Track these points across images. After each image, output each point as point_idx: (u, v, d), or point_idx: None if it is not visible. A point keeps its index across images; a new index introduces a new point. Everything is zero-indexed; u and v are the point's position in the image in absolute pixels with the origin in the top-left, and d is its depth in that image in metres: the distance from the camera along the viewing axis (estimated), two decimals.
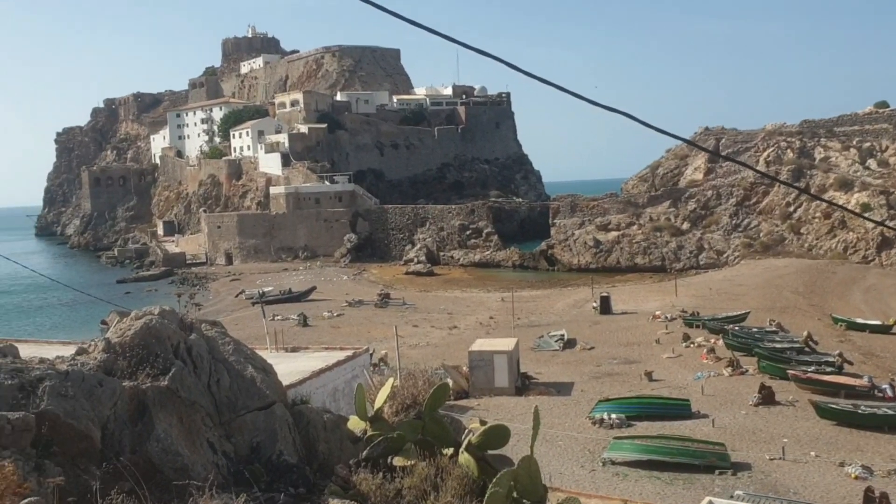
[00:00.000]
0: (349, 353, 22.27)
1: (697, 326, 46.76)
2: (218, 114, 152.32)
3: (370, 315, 61.42)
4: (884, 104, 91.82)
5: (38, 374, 8.35)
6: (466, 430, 8.43)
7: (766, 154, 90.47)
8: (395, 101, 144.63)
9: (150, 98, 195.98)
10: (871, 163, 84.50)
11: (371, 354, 37.67)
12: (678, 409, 29.25)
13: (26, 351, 11.40)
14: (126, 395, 8.94)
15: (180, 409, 9.32)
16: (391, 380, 8.74)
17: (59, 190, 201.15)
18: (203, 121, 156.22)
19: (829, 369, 34.36)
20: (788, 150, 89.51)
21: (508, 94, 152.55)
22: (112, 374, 9.16)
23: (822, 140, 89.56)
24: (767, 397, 30.07)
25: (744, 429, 27.00)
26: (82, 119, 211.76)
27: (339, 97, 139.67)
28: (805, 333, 40.93)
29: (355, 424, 8.73)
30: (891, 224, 73.83)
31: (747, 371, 35.37)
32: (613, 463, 23.82)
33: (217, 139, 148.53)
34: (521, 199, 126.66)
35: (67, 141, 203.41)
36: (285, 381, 13.28)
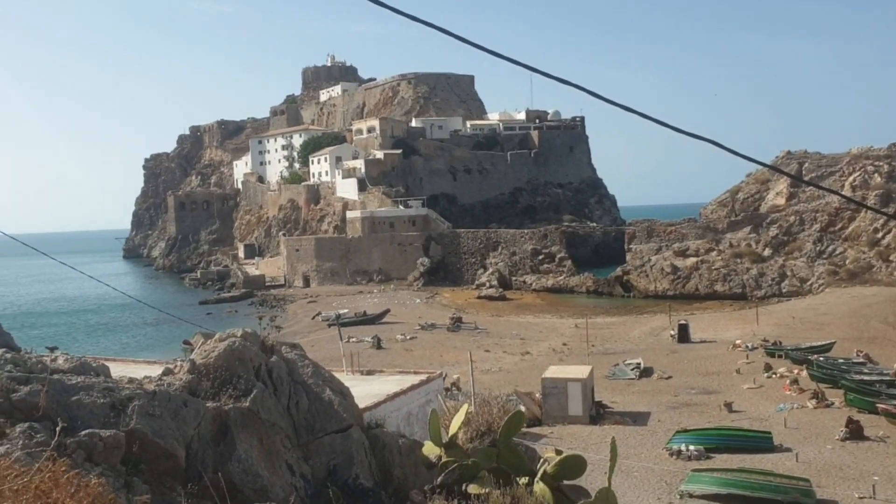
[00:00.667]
0: (423, 377, 22.40)
1: (780, 356, 45.21)
2: (298, 140, 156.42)
3: (442, 339, 61.56)
4: None
5: (128, 393, 8.70)
6: (542, 460, 8.37)
7: (851, 178, 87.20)
8: (468, 126, 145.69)
9: (233, 125, 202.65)
10: None
11: (444, 379, 37.76)
12: (759, 442, 28.25)
13: (115, 370, 11.88)
14: (209, 415, 9.21)
15: (260, 431, 9.55)
16: (466, 406, 8.76)
17: (146, 214, 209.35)
18: (283, 147, 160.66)
19: None
20: (876, 175, 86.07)
21: (583, 118, 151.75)
22: (196, 395, 9.46)
23: None
24: (855, 432, 28.76)
25: (830, 464, 25.88)
26: (169, 146, 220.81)
27: (413, 123, 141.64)
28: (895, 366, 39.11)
29: (430, 450, 8.78)
30: None
31: (833, 404, 33.95)
32: (691, 496, 23.15)
33: (297, 165, 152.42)
34: (595, 224, 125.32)
35: (155, 167, 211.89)
36: (361, 405, 13.45)
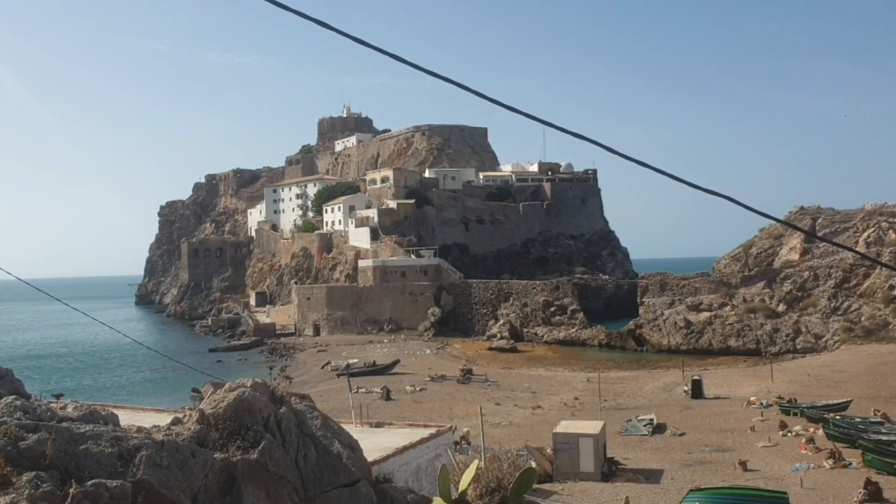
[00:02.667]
0: (433, 430, 22.12)
1: (795, 414, 44.48)
2: (312, 189, 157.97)
3: (452, 391, 61.01)
4: None
5: (136, 442, 8.62)
6: None
7: (866, 234, 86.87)
8: (481, 177, 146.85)
9: (248, 174, 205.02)
10: None
11: (453, 432, 37.32)
12: (775, 502, 27.63)
13: (125, 418, 11.81)
14: (217, 466, 9.10)
15: (268, 483, 9.42)
16: (476, 461, 8.64)
17: (159, 260, 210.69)
18: (298, 196, 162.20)
19: None
20: (890, 231, 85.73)
21: (595, 171, 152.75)
22: (204, 445, 9.37)
23: None
24: (874, 494, 28.08)
25: None
26: (184, 193, 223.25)
27: (427, 174, 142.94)
28: None
29: None
30: None
31: (851, 464, 33.23)
32: None
33: (310, 214, 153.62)
34: (607, 277, 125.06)
35: (170, 214, 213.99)
36: (369, 457, 13.28)
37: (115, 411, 11.12)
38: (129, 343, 72.41)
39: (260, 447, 9.50)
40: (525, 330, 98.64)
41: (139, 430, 9.36)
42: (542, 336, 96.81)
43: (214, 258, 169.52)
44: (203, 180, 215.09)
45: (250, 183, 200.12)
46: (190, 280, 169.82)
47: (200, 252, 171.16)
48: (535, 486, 30.53)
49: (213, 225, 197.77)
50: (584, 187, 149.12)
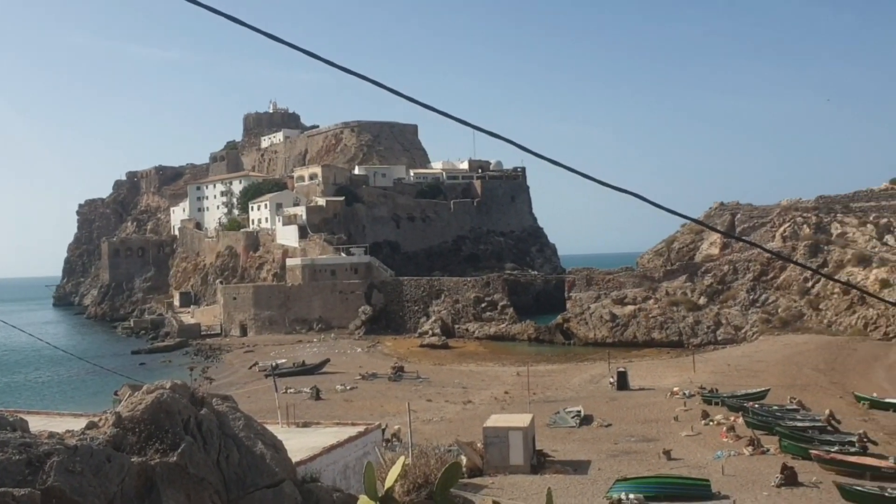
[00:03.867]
0: (361, 428, 21.96)
1: (716, 403, 45.90)
2: (237, 187, 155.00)
3: (384, 389, 60.80)
4: None
5: (47, 448, 8.28)
6: None
7: (782, 229, 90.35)
8: (411, 174, 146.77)
9: (171, 171, 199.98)
10: (889, 238, 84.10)
11: (384, 430, 37.16)
12: (698, 490, 28.44)
13: (37, 423, 11.32)
14: (134, 471, 8.82)
15: (188, 486, 9.18)
16: (402, 458, 8.57)
17: (78, 261, 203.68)
18: (223, 193, 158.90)
19: (852, 449, 33.46)
20: (805, 226, 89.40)
21: (524, 169, 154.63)
22: (121, 450, 9.06)
23: (838, 216, 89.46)
24: (790, 478, 29.22)
25: None
26: (104, 191, 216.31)
27: (356, 171, 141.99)
28: (827, 412, 40.04)
29: None
30: None
31: (769, 450, 34.49)
32: None
33: (236, 211, 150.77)
34: (536, 272, 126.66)
35: (89, 213, 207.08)
36: (296, 458, 13.07)
37: (27, 417, 10.66)
38: (47, 347, 69.71)
39: (179, 450, 9.25)
40: (456, 326, 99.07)
41: (51, 435, 8.99)
42: (474, 332, 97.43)
43: (136, 258, 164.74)
44: (124, 178, 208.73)
45: (173, 180, 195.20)
46: (111, 280, 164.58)
47: (122, 252, 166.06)
48: (466, 480, 30.66)
49: (135, 224, 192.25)
50: (513, 185, 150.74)
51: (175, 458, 9.11)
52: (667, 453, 34.58)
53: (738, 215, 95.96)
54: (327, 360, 74.78)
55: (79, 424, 10.00)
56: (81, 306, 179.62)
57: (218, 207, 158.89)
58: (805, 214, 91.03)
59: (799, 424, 38.48)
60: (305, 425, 23.88)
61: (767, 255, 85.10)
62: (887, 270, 77.93)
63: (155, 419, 9.53)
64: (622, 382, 54.97)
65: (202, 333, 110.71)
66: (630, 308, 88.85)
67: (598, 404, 49.06)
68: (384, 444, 32.37)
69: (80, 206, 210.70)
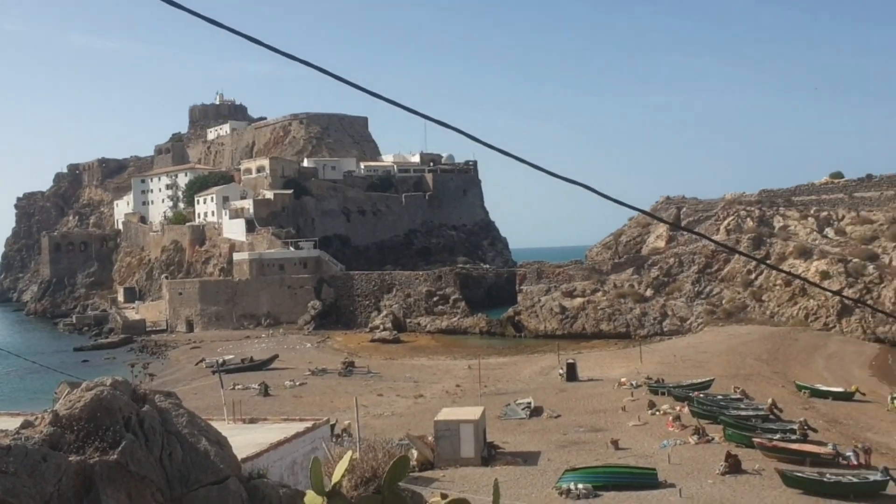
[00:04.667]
0: (309, 424, 21.74)
1: (663, 393, 46.70)
2: (183, 180, 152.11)
3: (334, 384, 60.38)
4: (839, 175, 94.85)
5: None
6: None
7: (726, 223, 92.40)
8: (362, 167, 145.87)
9: (114, 163, 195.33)
10: (829, 231, 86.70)
11: (334, 425, 36.88)
12: (645, 479, 28.92)
13: None
14: (72, 470, 8.57)
15: (129, 485, 8.95)
16: (350, 452, 8.46)
17: (16, 255, 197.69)
18: (168, 186, 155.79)
19: (793, 437, 34.38)
20: (748, 219, 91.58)
21: (475, 162, 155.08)
22: (58, 449, 8.78)
23: (780, 209, 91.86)
24: (734, 466, 29.90)
25: (711, 498, 26.73)
26: (44, 184, 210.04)
27: (305, 163, 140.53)
28: (770, 401, 41.07)
29: (312, 500, 8.40)
30: (849, 292, 75.36)
31: (713, 439, 35.23)
32: None
33: (181, 205, 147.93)
34: (488, 266, 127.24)
35: (28, 206, 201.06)
36: (242, 454, 12.84)
37: None
38: None
39: (120, 448, 9.00)
40: (408, 320, 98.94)
41: None
42: (425, 326, 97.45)
43: (78, 252, 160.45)
44: (65, 170, 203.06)
45: (117, 173, 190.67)
46: (52, 276, 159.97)
47: (63, 246, 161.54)
48: (417, 473, 30.63)
49: (77, 217, 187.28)
50: (465, 178, 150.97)
51: (115, 457, 8.86)
52: (614, 443, 35.07)
53: (684, 209, 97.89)
54: (276, 356, 73.92)
55: (14, 424, 9.65)
56: (20, 302, 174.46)
57: (163, 201, 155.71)
58: (748, 208, 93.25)
59: (742, 413, 39.39)
60: (252, 421, 23.55)
61: (712, 247, 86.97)
62: (827, 262, 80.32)
63: (94, 417, 9.26)
64: (571, 374, 55.59)
65: (147, 330, 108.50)
66: (579, 300, 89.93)
67: (548, 396, 49.52)
68: (334, 440, 32.14)
69: (19, 199, 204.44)
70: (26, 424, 9.50)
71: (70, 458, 8.71)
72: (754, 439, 33.21)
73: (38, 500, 8.02)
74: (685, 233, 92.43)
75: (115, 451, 9.00)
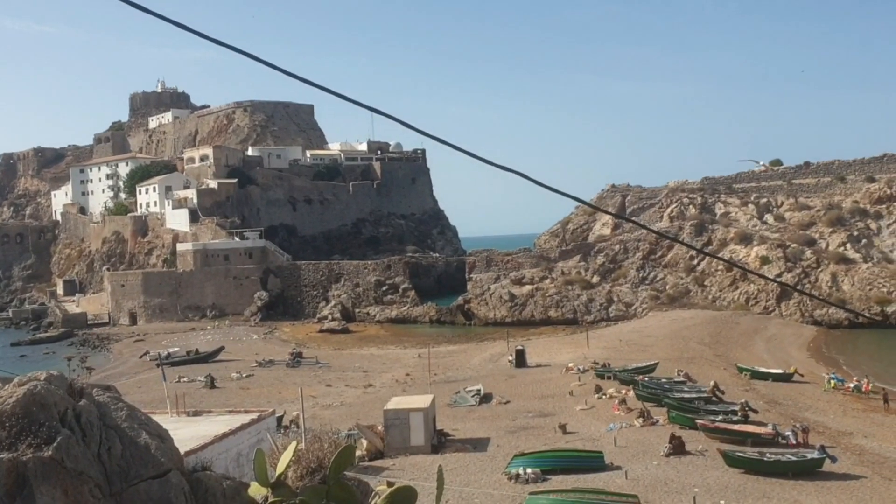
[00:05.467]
0: (254, 415, 21.45)
1: (609, 378, 47.39)
2: (124, 169, 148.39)
3: (281, 375, 59.79)
4: (778, 162, 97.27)
5: None
6: (373, 493, 8.09)
7: (669, 210, 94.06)
8: (308, 156, 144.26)
9: (51, 153, 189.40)
10: (769, 217, 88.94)
11: (282, 417, 36.51)
12: (592, 462, 29.31)
13: None
14: (4, 467, 8.31)
15: (65, 481, 8.69)
16: (294, 443, 8.35)
17: None
18: (108, 176, 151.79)
19: (735, 418, 35.22)
20: (691, 206, 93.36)
21: (423, 151, 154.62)
22: None
23: (722, 196, 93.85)
24: (678, 447, 30.50)
25: (656, 479, 27.25)
26: None
27: (250, 152, 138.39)
28: (712, 383, 42.00)
29: (256, 491, 8.28)
30: (787, 277, 77.55)
31: (658, 421, 35.87)
32: None
33: (123, 195, 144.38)
34: (437, 255, 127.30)
35: None
36: (186, 447, 12.59)
37: None
38: None
39: (55, 444, 8.73)
40: (357, 310, 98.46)
41: None
42: (375, 315, 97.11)
43: (14, 244, 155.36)
44: None
45: (54, 162, 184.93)
46: None
47: None
48: (367, 463, 30.53)
49: (12, 208, 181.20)
50: (413, 167, 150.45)
51: (50, 453, 8.60)
52: (562, 427, 35.46)
53: (629, 196, 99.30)
54: (222, 348, 72.88)
55: None
56: None
57: (103, 191, 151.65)
58: (691, 195, 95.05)
59: (686, 396, 40.21)
60: (196, 414, 23.13)
61: (656, 234, 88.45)
62: (767, 248, 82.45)
63: (27, 412, 8.96)
64: (520, 360, 56.06)
65: (89, 323, 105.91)
66: (528, 288, 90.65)
67: (498, 382, 49.85)
68: (282, 431, 31.81)
69: None
70: None
71: (1, 456, 8.43)
72: (697, 421, 33.93)
73: None
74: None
75: (50, 447, 8.74)
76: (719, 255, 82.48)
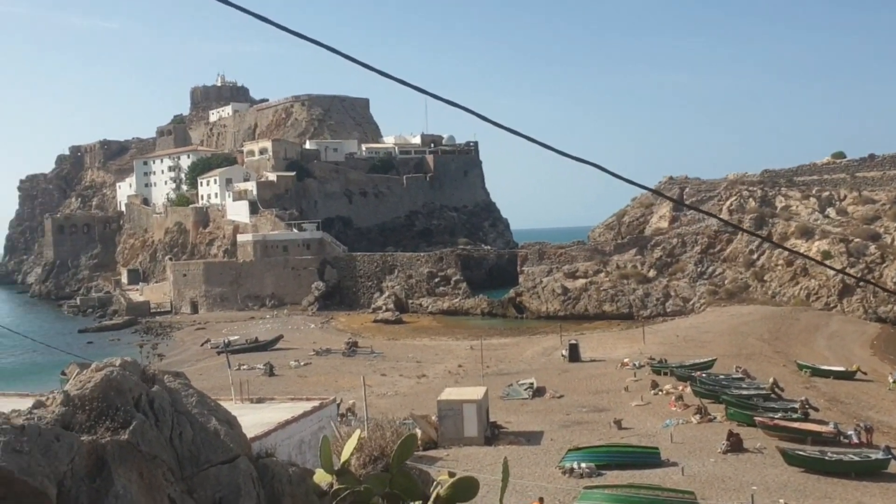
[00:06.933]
0: (316, 403, 21.93)
1: (665, 374, 46.91)
2: (186, 162, 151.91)
3: (338, 364, 60.72)
4: (840, 155, 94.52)
5: None
6: (435, 483, 8.29)
7: (728, 203, 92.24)
8: (363, 149, 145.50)
9: (116, 145, 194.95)
10: (831, 211, 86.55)
11: (338, 405, 37.15)
12: (647, 458, 29.15)
13: None
14: (84, 450, 8.68)
15: (141, 464, 9.06)
16: (358, 431, 8.60)
17: (20, 238, 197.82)
18: (170, 168, 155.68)
19: (794, 416, 34.58)
20: (750, 199, 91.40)
21: (476, 143, 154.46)
22: (70, 429, 8.89)
23: (782, 189, 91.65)
24: (735, 444, 30.11)
25: (713, 476, 26.95)
26: (47, 166, 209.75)
27: (307, 146, 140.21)
28: (771, 380, 41.25)
29: (321, 478, 8.55)
30: (850, 272, 75.36)
31: (715, 418, 35.44)
32: None
33: (184, 187, 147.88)
34: (489, 247, 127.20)
35: (31, 188, 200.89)
36: (250, 434, 13.00)
37: None
38: None
39: (130, 427, 9.12)
40: (410, 301, 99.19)
41: None
42: (427, 307, 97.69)
43: (82, 235, 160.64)
44: (67, 152, 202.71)
45: (119, 155, 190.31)
46: (55, 258, 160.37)
47: (66, 228, 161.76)
48: (420, 452, 30.89)
49: (80, 200, 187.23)
50: (465, 159, 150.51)
51: (126, 437, 8.98)
52: (617, 423, 35.30)
53: (687, 189, 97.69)
54: (280, 337, 74.30)
55: (25, 404, 9.77)
56: (25, 284, 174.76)
57: (166, 183, 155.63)
58: (751, 188, 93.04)
59: (744, 392, 39.60)
60: (259, 401, 23.75)
61: (715, 228, 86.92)
62: (828, 242, 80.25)
63: (105, 397, 9.37)
64: (574, 354, 55.79)
65: (152, 311, 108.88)
66: (581, 281, 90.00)
67: (551, 376, 49.75)
68: (339, 419, 32.39)
69: (22, 181, 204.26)
70: (38, 405, 9.62)
71: (82, 438, 8.84)
72: (756, 418, 33.41)
73: (51, 478, 8.14)
74: (688, 213, 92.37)
75: (126, 431, 9.11)
76: (784, 245, 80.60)
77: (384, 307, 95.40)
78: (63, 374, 57.89)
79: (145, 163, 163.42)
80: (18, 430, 8.21)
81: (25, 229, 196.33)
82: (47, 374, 64.35)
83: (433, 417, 34.61)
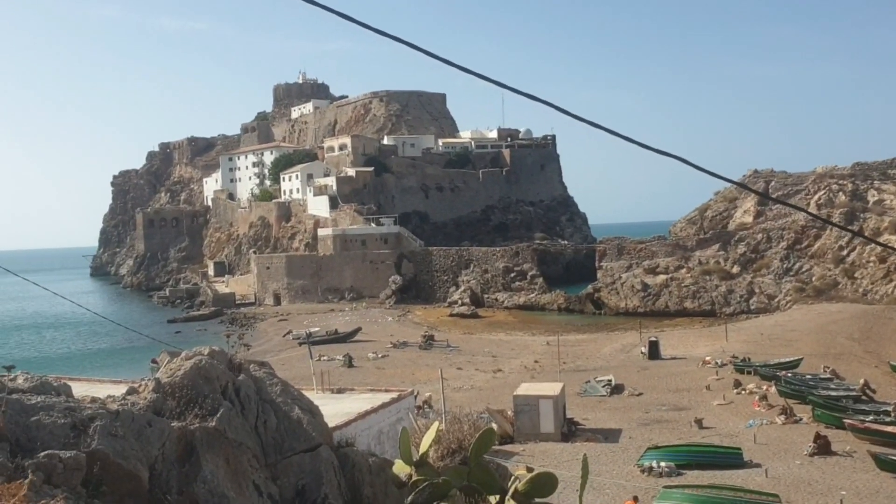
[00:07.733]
0: (394, 395, 22.21)
1: (749, 373, 45.61)
2: (269, 157, 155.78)
3: (414, 357, 61.31)
4: None
5: (90, 413, 8.47)
6: (513, 477, 8.26)
7: (817, 197, 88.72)
8: (440, 144, 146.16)
9: (203, 142, 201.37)
10: None
11: (415, 397, 37.52)
12: (730, 458, 28.41)
13: (78, 389, 11.60)
14: (174, 435, 9.01)
15: (227, 451, 9.36)
16: (436, 423, 8.66)
17: (114, 231, 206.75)
18: (254, 164, 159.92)
19: (888, 419, 33.11)
20: (840, 193, 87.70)
21: (553, 137, 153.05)
22: (161, 415, 9.25)
23: (875, 182, 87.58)
24: (823, 447, 29.04)
25: (799, 480, 26.07)
26: (138, 162, 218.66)
27: (385, 141, 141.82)
28: (862, 381, 39.60)
29: (400, 469, 8.63)
30: None
31: (801, 419, 34.27)
32: None
33: (267, 182, 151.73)
34: (566, 242, 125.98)
35: (123, 183, 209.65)
36: (331, 423, 13.27)
37: (70, 383, 10.92)
38: (86, 315, 71.15)
39: (218, 415, 9.41)
40: (486, 296, 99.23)
41: (93, 400, 9.20)
42: (503, 301, 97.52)
43: (170, 228, 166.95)
44: (157, 149, 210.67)
45: (205, 151, 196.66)
46: (146, 251, 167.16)
47: (156, 222, 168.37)
48: (496, 447, 30.93)
49: (168, 194, 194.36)
50: (542, 153, 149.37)
51: (214, 423, 9.27)
52: (698, 422, 34.52)
53: (773, 183, 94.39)
54: (359, 329, 75.50)
55: (119, 390, 10.21)
56: (118, 276, 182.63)
57: (250, 178, 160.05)
58: (841, 182, 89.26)
59: (833, 394, 38.13)
60: (340, 391, 24.21)
61: (802, 222, 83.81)
62: None
63: (194, 385, 9.69)
64: (654, 352, 54.82)
65: (236, 303, 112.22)
66: (662, 277, 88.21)
67: (629, 373, 49.02)
68: (416, 411, 32.71)
69: (115, 177, 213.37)
70: (131, 391, 10.06)
71: (172, 424, 9.19)
72: (845, 420, 32.13)
73: (144, 462, 8.49)
74: (773, 208, 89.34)
75: (214, 418, 9.42)
76: (877, 240, 77.09)
77: (460, 301, 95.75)
78: (154, 361, 60.28)
79: (230, 159, 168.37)
80: (114, 415, 8.59)
81: (118, 223, 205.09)
82: (139, 362, 67.20)
83: (509, 412, 34.59)
